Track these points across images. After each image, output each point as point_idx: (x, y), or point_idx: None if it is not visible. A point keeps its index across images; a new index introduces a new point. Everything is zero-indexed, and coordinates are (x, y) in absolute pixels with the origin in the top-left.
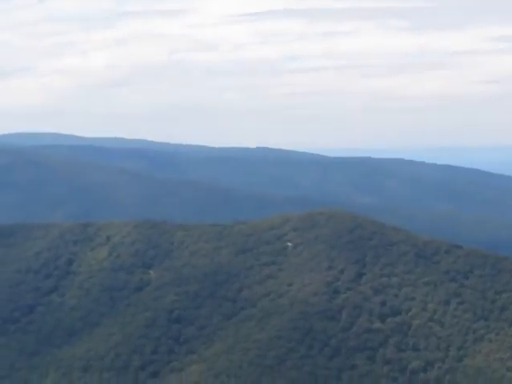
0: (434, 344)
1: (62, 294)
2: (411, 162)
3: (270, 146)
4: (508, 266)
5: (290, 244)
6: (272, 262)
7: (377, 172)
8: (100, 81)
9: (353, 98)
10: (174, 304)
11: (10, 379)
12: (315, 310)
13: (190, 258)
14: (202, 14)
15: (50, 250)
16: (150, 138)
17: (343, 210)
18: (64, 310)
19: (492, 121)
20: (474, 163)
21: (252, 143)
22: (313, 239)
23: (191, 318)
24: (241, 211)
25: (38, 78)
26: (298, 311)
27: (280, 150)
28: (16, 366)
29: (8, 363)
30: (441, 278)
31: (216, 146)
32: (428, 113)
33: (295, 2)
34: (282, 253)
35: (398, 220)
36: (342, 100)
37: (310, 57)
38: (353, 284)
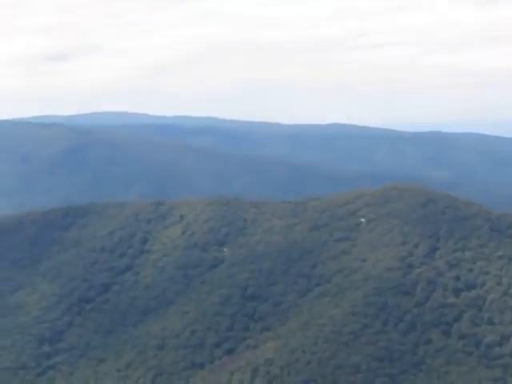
0: (508, 318)
1: (137, 272)
2: (484, 136)
3: (343, 122)
4: None
5: (363, 219)
6: (346, 237)
7: (449, 146)
8: (170, 59)
9: (424, 72)
10: (248, 281)
11: (85, 358)
12: (389, 286)
13: (263, 235)
14: None
15: (124, 229)
16: (222, 116)
17: (416, 185)
18: (139, 288)
19: None
20: None
21: (325, 119)
22: (386, 214)
23: (266, 295)
24: (314, 187)
25: (109, 57)
26: (372, 287)
27: (353, 126)
28: (91, 345)
29: (84, 342)
30: None
31: (289, 122)
32: (500, 87)
33: None
34: (356, 228)
35: (471, 194)
36: (413, 75)
37: (381, 32)
38: (427, 259)
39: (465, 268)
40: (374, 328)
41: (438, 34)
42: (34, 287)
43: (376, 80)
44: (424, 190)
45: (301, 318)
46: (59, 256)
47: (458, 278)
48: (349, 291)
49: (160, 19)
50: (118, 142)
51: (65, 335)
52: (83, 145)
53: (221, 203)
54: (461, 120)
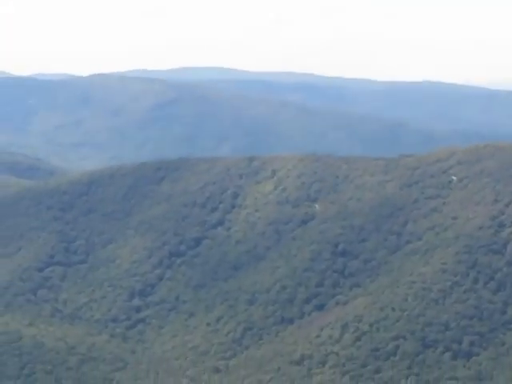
0: None
1: (228, 227)
2: None
3: (435, 80)
4: None
5: (454, 177)
6: (437, 195)
7: None
8: (266, 15)
9: None
10: (339, 237)
11: (175, 312)
12: (480, 244)
13: (355, 192)
14: None
15: (216, 184)
16: (316, 73)
17: (509, 143)
18: (230, 243)
19: None
20: None
21: (418, 77)
22: (478, 173)
23: (356, 252)
24: (406, 145)
25: (206, 13)
26: (462, 245)
27: (445, 84)
28: (182, 299)
29: (174, 296)
30: None
31: (382, 79)
32: None
33: None
34: (447, 186)
35: None
36: (504, 31)
37: None
38: None
39: None
40: (463, 286)
41: None
42: (125, 241)
43: (467, 37)
44: None
45: (391, 275)
46: (151, 210)
47: None
48: (439, 249)
49: None
50: (211, 97)
51: (155, 289)
52: (177, 99)
53: (313, 159)
54: None
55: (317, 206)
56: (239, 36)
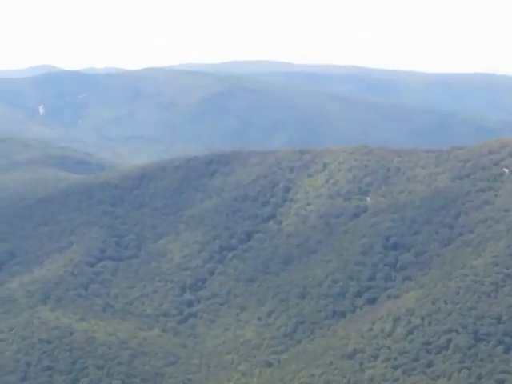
0: None
1: (279, 221)
2: None
3: (486, 71)
4: None
5: (506, 170)
6: (489, 187)
7: None
8: (310, 8)
9: None
10: (390, 230)
11: (227, 306)
12: None
13: (406, 184)
14: None
15: (267, 178)
16: (364, 65)
17: None
18: (281, 237)
19: None
20: None
21: (469, 68)
22: None
23: (408, 245)
24: (457, 136)
25: (248, 6)
26: None
27: (496, 76)
28: (233, 293)
29: (225, 290)
30: None
31: (432, 71)
32: None
33: None
34: (499, 178)
35: None
36: None
37: None
38: None
39: None
40: None
41: None
42: (177, 235)
43: None
44: None
45: (443, 268)
46: (202, 204)
47: None
48: (491, 241)
49: None
50: (262, 89)
51: (207, 283)
52: (228, 92)
53: (364, 152)
54: None
55: (368, 198)
56: (285, 29)
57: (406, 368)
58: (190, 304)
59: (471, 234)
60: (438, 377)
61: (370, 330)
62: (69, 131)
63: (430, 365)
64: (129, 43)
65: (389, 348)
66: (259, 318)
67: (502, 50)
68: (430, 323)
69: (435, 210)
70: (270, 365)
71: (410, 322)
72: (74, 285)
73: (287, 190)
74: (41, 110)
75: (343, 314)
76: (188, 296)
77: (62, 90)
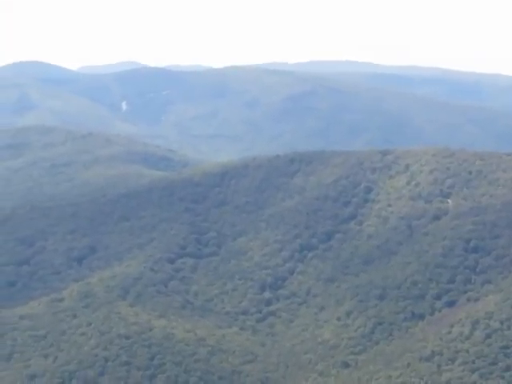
0: None
1: (360, 222)
2: None
3: None
4: None
5: None
6: None
7: None
8: (390, 9)
9: None
10: (471, 233)
11: (306, 305)
12: None
13: (488, 188)
14: None
15: (349, 178)
16: (448, 66)
17: None
18: (361, 237)
19: None
20: None
21: None
22: None
23: (489, 248)
24: None
25: (330, 5)
26: None
27: None
28: (312, 292)
29: (305, 289)
30: None
31: None
32: None
33: None
34: None
35: None
36: None
37: None
38: None
39: None
40: None
41: None
42: (257, 233)
43: None
44: None
45: None
46: (283, 203)
47: None
48: None
49: None
50: (345, 90)
51: (286, 282)
52: (311, 92)
53: (446, 154)
54: None
55: (449, 201)
56: (368, 29)
57: (484, 372)
58: (269, 303)
59: None
60: None
61: (449, 332)
62: (152, 128)
63: (508, 369)
64: (213, 41)
65: (467, 351)
66: (338, 318)
67: None
68: (509, 327)
69: None
70: (347, 365)
71: (488, 326)
72: (153, 281)
73: (368, 190)
74: (124, 106)
75: (422, 316)
76: (267, 295)
77: (146, 86)
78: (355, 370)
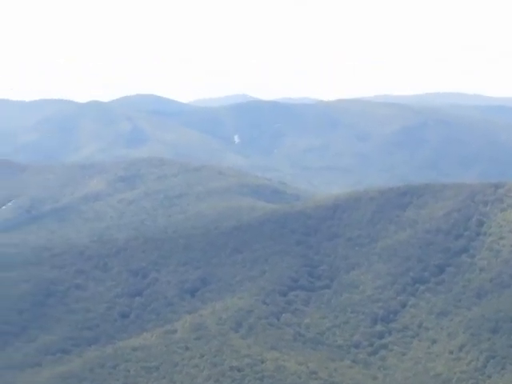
0: None
1: (472, 255)
2: None
3: None
4: None
5: None
6: None
7: None
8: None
9: None
10: None
11: (418, 339)
12: None
13: None
14: None
15: (461, 211)
16: None
17: None
18: (474, 271)
19: None
20: None
21: None
22: None
23: None
24: None
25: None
26: None
27: None
28: (425, 326)
29: (417, 323)
30: None
31: None
32: None
33: None
34: None
35: None
36: None
37: None
38: None
39: None
40: None
41: None
42: (369, 266)
43: None
44: None
45: None
46: (396, 235)
47: None
48: None
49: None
50: (457, 122)
51: (398, 315)
52: (423, 124)
53: None
54: None
55: None
56: (475, 61)
57: None
58: (381, 336)
59: None
60: None
61: None
62: (264, 160)
63: None
64: (321, 74)
65: None
66: (450, 352)
67: None
68: None
69: None
70: None
71: None
72: (265, 313)
73: (481, 223)
74: (236, 138)
75: None
76: (379, 328)
77: (258, 119)
78: None
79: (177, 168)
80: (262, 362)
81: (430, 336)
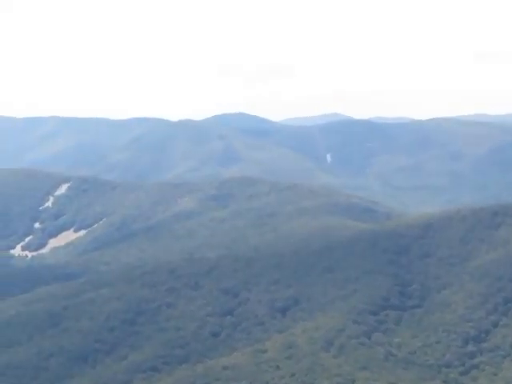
0: None
1: None
2: None
3: None
4: None
5: None
6: None
7: None
8: None
9: None
10: None
11: (510, 358)
12: None
13: None
14: None
15: None
16: None
17: None
18: None
19: None
20: None
21: None
22: None
23: None
24: None
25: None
26: None
27: None
28: None
29: (509, 342)
30: None
31: None
32: None
33: None
34: None
35: None
36: None
37: None
38: None
39: None
40: None
41: None
42: (461, 285)
43: None
44: None
45: None
46: (487, 255)
47: None
48: None
49: None
50: None
51: (490, 335)
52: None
53: None
54: None
55: None
56: None
57: None
58: (472, 356)
59: None
60: None
61: None
62: (355, 179)
63: None
64: (414, 94)
65: None
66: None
67: None
68: None
69: None
70: None
71: None
72: (356, 333)
73: None
74: (328, 158)
75: None
76: (471, 347)
77: (351, 138)
78: None
79: (268, 187)
80: (353, 382)
81: None
